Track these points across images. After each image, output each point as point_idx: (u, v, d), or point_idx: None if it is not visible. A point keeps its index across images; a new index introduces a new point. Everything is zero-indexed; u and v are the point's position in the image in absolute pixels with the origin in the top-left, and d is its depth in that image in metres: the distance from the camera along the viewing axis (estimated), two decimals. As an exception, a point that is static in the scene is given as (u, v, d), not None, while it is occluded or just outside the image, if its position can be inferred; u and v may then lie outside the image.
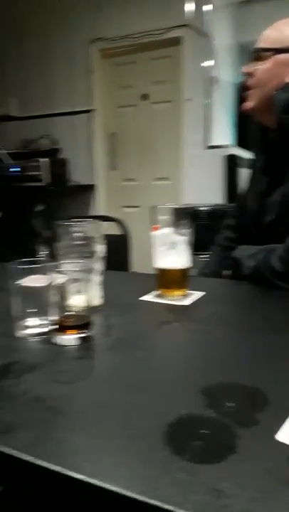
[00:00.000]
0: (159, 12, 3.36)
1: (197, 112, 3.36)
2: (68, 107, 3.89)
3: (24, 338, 0.74)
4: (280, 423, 0.47)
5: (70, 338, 0.70)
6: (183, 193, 3.50)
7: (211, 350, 0.69)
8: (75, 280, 0.71)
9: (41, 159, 3.53)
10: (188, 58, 3.35)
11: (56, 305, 0.71)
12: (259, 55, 1.08)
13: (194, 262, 0.94)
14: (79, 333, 0.71)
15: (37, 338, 0.73)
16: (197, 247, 0.93)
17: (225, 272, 1.18)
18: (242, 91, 1.16)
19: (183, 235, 0.89)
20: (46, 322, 0.73)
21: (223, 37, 3.21)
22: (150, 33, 3.40)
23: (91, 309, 0.74)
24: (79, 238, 0.85)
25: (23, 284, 0.73)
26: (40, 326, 0.74)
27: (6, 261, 1.06)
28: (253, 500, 0.37)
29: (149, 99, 3.68)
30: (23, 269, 0.73)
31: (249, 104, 1.11)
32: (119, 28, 3.52)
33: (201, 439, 0.45)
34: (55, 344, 0.70)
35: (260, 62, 1.08)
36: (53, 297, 0.71)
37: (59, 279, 0.70)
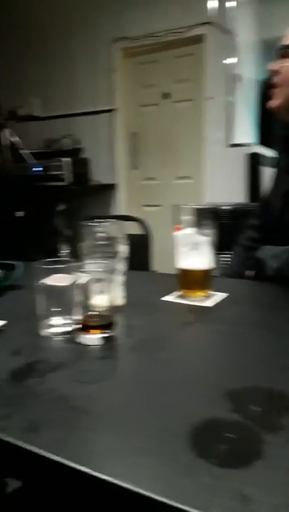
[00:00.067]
0: (182, 10, 3.34)
1: (219, 110, 3.33)
2: (90, 106, 3.92)
3: (48, 337, 0.74)
4: (307, 429, 0.46)
5: (93, 338, 0.71)
6: (204, 192, 3.48)
7: (235, 353, 0.68)
8: (98, 280, 0.72)
9: (63, 159, 3.56)
10: (211, 56, 3.32)
11: (80, 304, 0.71)
12: (285, 52, 1.06)
13: (215, 261, 0.93)
14: (102, 333, 0.71)
15: (61, 337, 0.74)
16: (218, 246, 0.92)
17: (248, 273, 1.17)
18: (267, 89, 1.14)
19: (206, 235, 0.88)
20: (70, 321, 0.74)
21: (246, 34, 3.17)
22: (173, 31, 3.38)
23: (113, 309, 0.74)
24: (102, 238, 0.86)
25: (47, 283, 0.74)
26: (64, 325, 0.75)
27: (29, 259, 1.07)
28: (280, 507, 0.36)
29: (170, 97, 3.66)
30: (48, 268, 0.74)
31: (275, 102, 1.10)
32: (142, 26, 3.52)
33: (226, 443, 0.45)
34: (79, 343, 0.71)
35: (286, 60, 1.06)
36: (77, 297, 0.71)
37: (82, 278, 0.71)
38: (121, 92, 3.82)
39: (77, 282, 0.71)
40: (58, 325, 0.75)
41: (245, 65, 3.18)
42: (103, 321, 0.72)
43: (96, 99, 3.89)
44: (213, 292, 0.93)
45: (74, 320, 0.73)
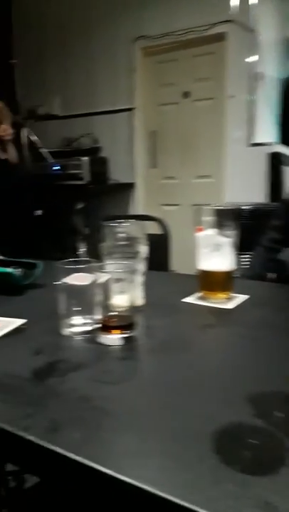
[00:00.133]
0: (204, 8, 3.31)
1: (240, 109, 3.29)
2: (109, 105, 3.93)
3: (69, 336, 0.75)
4: None
5: (114, 338, 0.70)
6: (224, 191, 3.45)
7: (257, 357, 0.67)
8: (118, 280, 0.72)
9: (82, 158, 3.58)
10: (233, 54, 3.29)
11: (100, 304, 0.71)
12: None
13: (236, 263, 0.92)
14: (123, 334, 0.71)
15: (81, 337, 0.74)
16: (238, 247, 0.91)
17: (270, 275, 1.15)
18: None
19: (228, 236, 0.87)
20: (91, 321, 0.74)
21: (268, 31, 3.12)
22: (194, 29, 3.36)
23: (133, 309, 0.74)
24: (123, 238, 0.86)
25: (68, 282, 0.74)
26: (84, 324, 0.75)
27: (47, 258, 1.08)
28: (306, 518, 0.35)
29: (190, 96, 3.64)
30: (68, 268, 0.75)
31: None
32: (163, 25, 3.50)
33: (250, 449, 0.44)
34: (99, 343, 0.71)
35: None
36: (97, 296, 0.71)
37: (102, 278, 0.71)
38: (140, 91, 3.82)
39: (97, 282, 0.71)
40: (78, 324, 0.75)
41: (267, 63, 3.14)
42: (124, 322, 0.72)
43: (115, 98, 3.90)
44: (234, 294, 0.92)
45: (94, 320, 0.73)
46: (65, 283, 0.74)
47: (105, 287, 0.71)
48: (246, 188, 3.24)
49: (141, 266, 0.88)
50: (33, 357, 0.67)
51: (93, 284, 0.72)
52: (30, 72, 4.28)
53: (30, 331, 0.78)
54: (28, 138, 3.77)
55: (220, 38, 3.32)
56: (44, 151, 3.73)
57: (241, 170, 3.33)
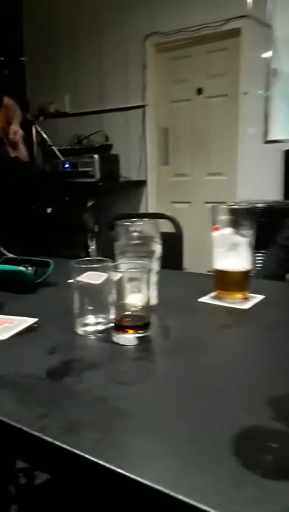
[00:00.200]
0: (218, 4, 3.28)
1: (254, 105, 3.25)
2: (121, 102, 3.91)
3: (83, 335, 0.74)
4: None
5: (128, 338, 0.70)
6: (237, 188, 3.42)
7: (275, 358, 0.66)
8: (132, 279, 0.71)
9: (94, 155, 3.58)
10: (247, 50, 3.25)
11: (114, 303, 0.70)
12: None
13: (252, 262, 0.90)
14: (137, 333, 0.70)
15: (96, 336, 0.73)
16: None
17: (288, 276, 1.13)
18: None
19: (244, 236, 0.86)
20: (104, 320, 0.74)
21: (283, 27, 3.08)
22: (208, 25, 3.33)
23: (148, 309, 0.73)
24: (137, 237, 0.85)
25: (82, 281, 0.74)
26: (98, 323, 0.74)
27: (58, 255, 1.07)
28: None
29: (204, 93, 3.62)
30: (82, 266, 0.74)
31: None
32: (175, 21, 3.48)
33: (270, 453, 0.43)
34: (114, 343, 0.70)
35: None
36: (111, 295, 0.70)
37: (116, 276, 0.70)
38: (152, 88, 3.80)
39: (110, 280, 0.70)
40: (92, 323, 0.75)
41: (282, 59, 3.09)
42: (139, 321, 0.71)
43: (127, 95, 3.88)
44: (250, 294, 0.90)
45: (109, 319, 0.72)
46: (78, 281, 0.74)
47: (119, 286, 0.70)
48: (260, 185, 3.21)
49: (155, 265, 0.87)
50: (47, 356, 0.67)
51: (107, 282, 0.71)
52: (41, 70, 4.28)
53: (43, 330, 0.77)
54: (39, 135, 3.78)
55: (234, 33, 3.28)
56: (55, 148, 3.74)
57: (255, 167, 3.29)
